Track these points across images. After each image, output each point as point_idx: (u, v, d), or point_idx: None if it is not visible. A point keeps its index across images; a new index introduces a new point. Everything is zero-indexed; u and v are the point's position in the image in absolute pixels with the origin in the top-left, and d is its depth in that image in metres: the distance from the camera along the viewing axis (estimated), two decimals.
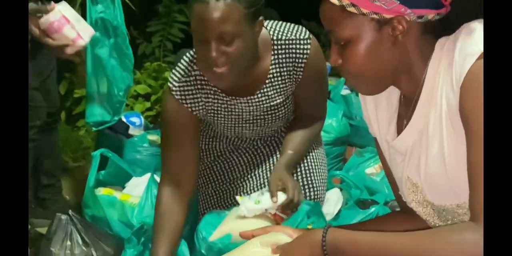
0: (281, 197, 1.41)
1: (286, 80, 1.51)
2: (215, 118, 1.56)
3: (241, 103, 1.52)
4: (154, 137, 2.37)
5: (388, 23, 0.90)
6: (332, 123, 2.47)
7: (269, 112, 1.57)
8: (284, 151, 1.55)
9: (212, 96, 1.51)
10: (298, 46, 1.47)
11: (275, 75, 1.49)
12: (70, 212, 1.47)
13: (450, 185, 0.94)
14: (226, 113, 1.55)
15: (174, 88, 1.49)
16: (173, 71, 1.51)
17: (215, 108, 1.53)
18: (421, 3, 0.88)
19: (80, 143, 3.19)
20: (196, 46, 1.37)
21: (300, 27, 1.52)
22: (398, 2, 0.87)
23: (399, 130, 1.03)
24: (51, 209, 2.03)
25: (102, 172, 1.80)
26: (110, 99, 2.23)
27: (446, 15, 0.91)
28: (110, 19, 2.17)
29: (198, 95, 1.49)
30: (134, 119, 2.57)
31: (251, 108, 1.55)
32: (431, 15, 0.89)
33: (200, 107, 1.51)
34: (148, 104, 3.49)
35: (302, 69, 1.49)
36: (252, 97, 1.52)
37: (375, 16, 0.89)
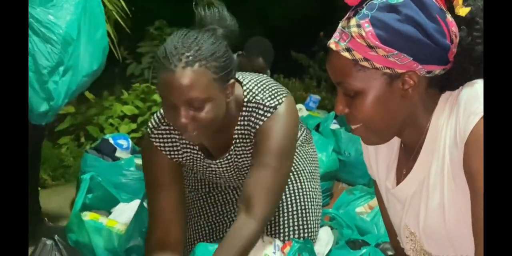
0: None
1: (249, 143, 1.46)
2: (194, 168, 1.54)
3: (212, 164, 1.51)
4: (141, 161, 2.33)
5: (399, 77, 0.92)
6: (322, 158, 2.46)
7: (241, 173, 1.55)
8: None
9: (191, 148, 1.49)
10: (259, 111, 1.40)
11: (240, 136, 1.46)
12: (56, 237, 1.41)
13: (448, 237, 0.95)
14: (201, 166, 1.54)
15: (152, 135, 1.47)
16: (154, 116, 1.50)
17: (192, 159, 1.51)
18: (432, 59, 0.91)
19: (61, 161, 3.12)
20: (164, 110, 1.33)
21: (278, 92, 1.42)
22: (411, 58, 0.90)
23: (399, 177, 1.04)
24: (31, 232, 1.95)
25: (89, 195, 1.75)
26: (36, 80, 1.73)
27: (449, 71, 0.94)
28: None
29: (177, 144, 1.48)
30: (122, 142, 2.52)
31: (222, 169, 1.53)
32: (438, 70, 0.93)
33: (179, 155, 1.49)
34: (134, 126, 3.45)
35: (253, 135, 1.42)
36: (221, 160, 1.49)
37: (387, 70, 0.91)
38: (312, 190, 1.69)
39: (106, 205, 1.80)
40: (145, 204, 1.72)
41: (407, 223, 1.02)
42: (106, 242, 1.56)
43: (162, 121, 1.48)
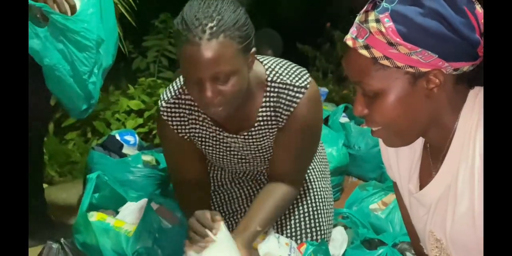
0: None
1: (275, 125, 1.43)
2: (202, 147, 1.50)
3: (228, 138, 1.46)
4: (148, 157, 2.29)
5: (423, 76, 0.85)
6: (333, 152, 2.41)
7: (257, 153, 1.50)
8: (250, 224, 1.35)
9: (200, 123, 1.45)
10: (290, 92, 1.37)
11: (264, 118, 1.41)
12: (62, 240, 1.38)
13: (478, 244, 0.88)
14: (213, 143, 1.48)
15: (162, 108, 1.45)
16: (165, 90, 1.47)
17: (203, 136, 1.47)
18: (459, 56, 0.84)
19: (68, 157, 3.09)
20: (188, 86, 1.28)
21: (302, 71, 1.41)
22: (436, 55, 0.83)
23: (422, 180, 0.98)
24: (36, 230, 1.91)
25: (96, 195, 1.71)
26: (78, 85, 1.76)
27: (479, 65, 0.87)
28: None
29: (185, 119, 1.44)
30: (129, 138, 2.48)
31: (239, 145, 1.48)
32: (466, 67, 0.86)
33: (186, 131, 1.45)
34: (140, 120, 3.41)
35: (286, 117, 1.39)
36: (238, 136, 1.44)
37: (410, 69, 0.84)
38: (323, 189, 1.64)
39: (113, 204, 1.76)
40: (152, 204, 1.68)
41: (432, 229, 0.96)
42: (113, 244, 1.52)
43: (173, 94, 1.43)
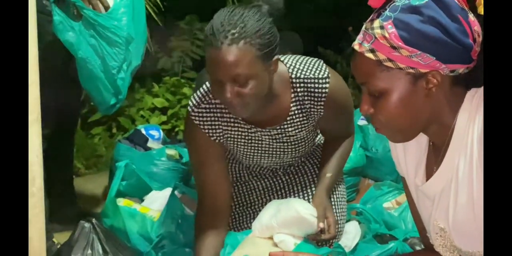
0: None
1: (307, 117, 1.53)
2: (235, 146, 1.57)
3: (261, 132, 1.54)
4: (172, 151, 2.38)
5: (423, 77, 0.94)
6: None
7: (289, 146, 1.58)
8: (322, 174, 1.58)
9: (232, 124, 1.53)
10: (316, 85, 1.48)
11: (296, 112, 1.51)
12: (93, 220, 1.47)
13: (478, 232, 0.96)
14: (245, 141, 1.56)
15: (193, 113, 1.51)
16: (194, 95, 1.54)
17: (235, 136, 1.55)
18: (455, 59, 0.93)
19: (94, 150, 3.20)
20: (212, 85, 1.39)
21: (319, 64, 1.52)
22: (434, 58, 0.92)
23: (428, 174, 1.06)
24: (66, 216, 2.02)
25: (123, 183, 1.80)
26: (107, 79, 1.87)
27: (474, 69, 0.95)
28: None
29: (217, 122, 1.51)
30: (153, 132, 2.58)
31: (271, 139, 1.56)
32: (461, 69, 0.94)
33: (219, 134, 1.52)
34: (164, 118, 3.52)
35: (322, 107, 1.51)
36: (271, 129, 1.53)
37: (411, 70, 0.93)
38: (337, 183, 1.71)
39: (139, 192, 1.85)
40: (176, 192, 1.76)
41: (436, 219, 1.04)
42: (140, 228, 1.61)
43: (203, 99, 1.51)
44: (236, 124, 1.53)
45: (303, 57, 1.54)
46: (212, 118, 1.51)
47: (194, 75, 4.03)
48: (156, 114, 3.55)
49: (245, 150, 1.59)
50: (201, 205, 1.54)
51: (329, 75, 1.49)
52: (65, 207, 2.11)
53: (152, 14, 3.17)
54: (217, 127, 1.51)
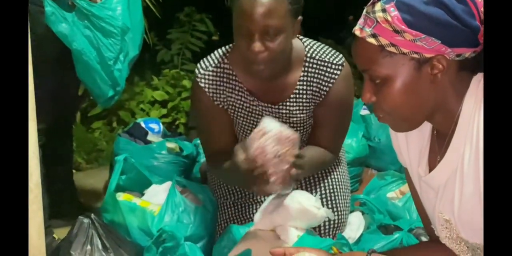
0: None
1: (310, 99, 1.51)
2: (234, 116, 1.57)
3: (262, 106, 1.53)
4: (172, 145, 2.35)
5: (428, 62, 0.89)
6: (352, 143, 2.44)
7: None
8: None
9: (236, 92, 1.52)
10: (329, 69, 1.48)
11: (300, 91, 1.50)
12: (92, 215, 1.45)
13: None
14: (245, 113, 1.56)
15: (199, 75, 1.52)
16: (204, 59, 1.54)
17: (237, 105, 1.54)
18: (461, 42, 0.88)
19: (94, 145, 3.19)
20: (238, 42, 1.38)
21: (336, 52, 1.52)
22: (440, 42, 0.88)
23: (431, 164, 1.02)
24: (67, 212, 2.00)
25: (123, 177, 1.78)
26: (104, 71, 1.83)
27: (480, 53, 0.91)
28: None
29: (222, 88, 1.51)
30: (153, 126, 2.55)
31: (272, 115, 1.54)
32: (468, 53, 0.90)
33: (222, 99, 1.53)
34: (164, 111, 3.49)
35: (325, 93, 1.49)
36: (274, 106, 1.52)
37: (415, 55, 0.89)
38: (340, 173, 1.69)
39: (139, 186, 1.83)
40: (177, 186, 1.74)
41: (441, 211, 1.00)
42: (140, 222, 1.59)
43: (211, 62, 1.52)
44: (240, 93, 1.52)
45: (323, 44, 1.55)
46: (218, 83, 1.51)
47: (193, 67, 3.98)
48: (156, 107, 3.53)
49: (243, 122, 1.57)
50: (207, 152, 1.55)
51: (344, 64, 1.49)
52: (65, 202, 2.09)
53: (150, 6, 3.13)
54: (221, 92, 1.52)
